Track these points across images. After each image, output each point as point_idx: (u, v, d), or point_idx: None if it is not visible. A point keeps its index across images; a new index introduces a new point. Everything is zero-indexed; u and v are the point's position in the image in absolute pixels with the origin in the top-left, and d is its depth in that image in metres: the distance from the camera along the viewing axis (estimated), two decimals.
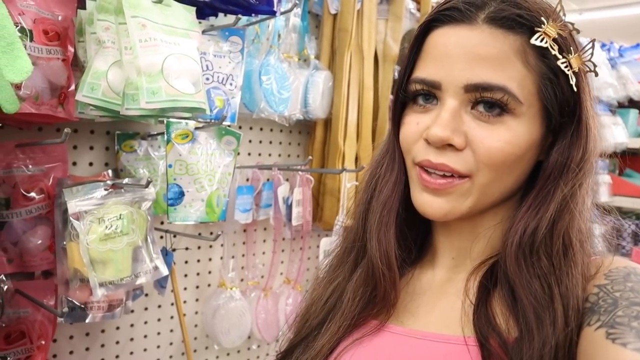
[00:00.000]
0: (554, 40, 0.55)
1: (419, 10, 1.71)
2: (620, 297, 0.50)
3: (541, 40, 0.54)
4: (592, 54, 0.57)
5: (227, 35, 1.06)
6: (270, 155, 1.49)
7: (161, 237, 1.19)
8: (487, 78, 0.54)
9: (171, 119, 0.98)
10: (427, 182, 0.57)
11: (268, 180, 1.41)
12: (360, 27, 1.42)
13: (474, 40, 0.54)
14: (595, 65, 0.58)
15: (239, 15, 0.97)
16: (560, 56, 0.55)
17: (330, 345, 0.63)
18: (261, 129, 1.45)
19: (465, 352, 0.54)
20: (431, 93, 0.58)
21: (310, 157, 1.20)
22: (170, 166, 0.98)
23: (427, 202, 0.58)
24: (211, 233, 1.35)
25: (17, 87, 0.85)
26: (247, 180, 1.40)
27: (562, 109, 0.56)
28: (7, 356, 0.82)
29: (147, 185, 0.89)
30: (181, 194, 1.00)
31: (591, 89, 0.59)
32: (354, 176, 1.43)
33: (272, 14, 1.02)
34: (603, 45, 2.55)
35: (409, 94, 0.59)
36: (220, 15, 1.10)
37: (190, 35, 0.89)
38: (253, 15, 1.06)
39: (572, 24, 0.58)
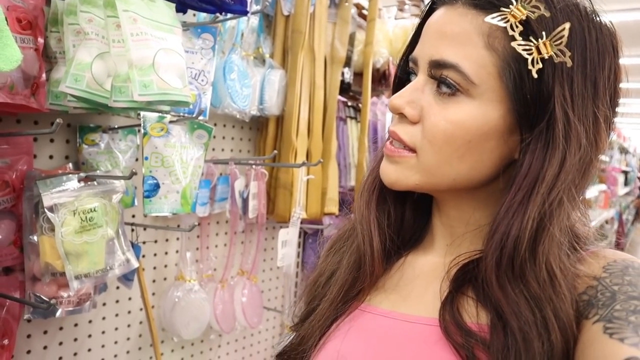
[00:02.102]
0: (523, 22, 0.52)
1: (359, 15, 1.82)
2: (618, 291, 0.50)
3: (500, 20, 0.52)
4: (566, 39, 0.52)
5: (199, 32, 1.09)
6: (223, 150, 1.52)
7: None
8: (445, 55, 0.54)
9: (147, 112, 0.99)
10: (385, 149, 0.60)
11: (222, 174, 1.44)
12: (312, 29, 1.49)
13: (446, 19, 0.55)
14: (568, 53, 0.51)
15: (218, 15, 1.00)
16: (519, 38, 0.52)
17: (322, 325, 0.64)
18: (215, 124, 1.48)
19: None
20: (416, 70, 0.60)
21: (275, 151, 1.25)
22: (146, 158, 0.99)
23: (382, 167, 0.60)
24: (167, 226, 1.36)
25: None
26: (202, 174, 1.42)
27: (524, 98, 0.53)
28: None
29: (130, 177, 0.90)
30: (157, 186, 1.01)
31: (579, 86, 0.52)
32: (307, 170, 1.50)
33: (244, 13, 1.06)
34: None
35: (406, 74, 0.62)
36: (189, 12, 1.12)
37: (174, 31, 0.91)
38: (223, 13, 1.09)
39: (548, 5, 0.53)
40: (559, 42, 0.52)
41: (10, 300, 0.96)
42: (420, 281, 0.63)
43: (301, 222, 1.52)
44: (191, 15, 1.29)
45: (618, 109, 0.58)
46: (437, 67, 0.55)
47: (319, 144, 1.56)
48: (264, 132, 1.55)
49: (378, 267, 0.64)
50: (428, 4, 0.61)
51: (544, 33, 0.52)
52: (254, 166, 1.44)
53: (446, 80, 0.54)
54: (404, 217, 0.68)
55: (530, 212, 0.52)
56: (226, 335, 1.58)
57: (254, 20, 1.37)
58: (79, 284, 0.95)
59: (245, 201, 1.45)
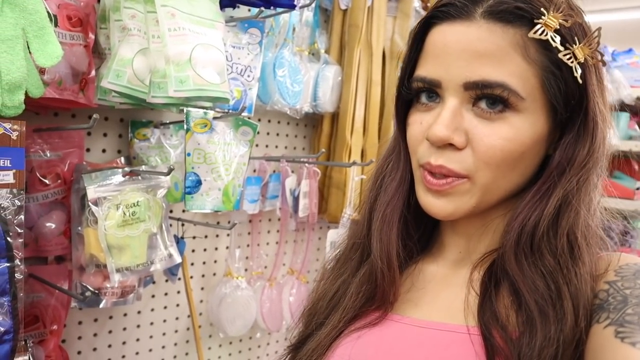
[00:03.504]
0: (556, 31, 0.53)
1: (424, 8, 1.73)
2: (630, 295, 0.49)
3: (541, 33, 0.52)
4: (598, 42, 0.54)
5: (246, 27, 1.07)
6: (277, 147, 1.51)
7: (170, 225, 1.20)
8: (486, 75, 0.53)
9: (190, 108, 0.98)
10: (429, 184, 0.57)
11: (275, 171, 1.43)
12: (370, 23, 1.44)
13: (472, 37, 0.53)
14: (602, 55, 0.55)
15: (262, 8, 0.98)
16: (562, 48, 0.53)
17: (331, 336, 0.63)
18: (269, 121, 1.46)
19: (468, 341, 0.54)
20: (433, 91, 0.57)
21: (323, 150, 1.21)
22: (189, 154, 0.99)
23: (430, 203, 0.58)
24: (218, 222, 1.36)
25: (41, 71, 0.86)
26: (255, 171, 1.41)
27: (568, 102, 0.55)
28: (27, 339, 0.83)
29: (168, 173, 0.90)
30: (198, 183, 1.01)
31: (601, 79, 0.57)
32: (360, 169, 1.45)
33: (292, 7, 1.03)
34: None
35: (412, 92, 0.59)
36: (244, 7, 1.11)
37: (215, 25, 0.90)
38: (272, 8, 1.07)
39: (579, 11, 0.56)
40: (592, 46, 0.54)
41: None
42: (432, 288, 0.63)
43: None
44: (246, 11, 1.28)
45: None
46: (479, 88, 0.53)
47: (375, 142, 1.50)
48: (319, 129, 1.52)
49: (394, 291, 0.62)
50: (425, 18, 0.58)
51: (576, 39, 0.54)
52: (306, 164, 1.41)
53: (497, 98, 0.53)
54: (414, 231, 0.66)
55: (556, 196, 0.55)
56: (275, 334, 1.57)
57: (309, 15, 1.34)
58: (120, 277, 0.96)
59: (296, 199, 1.42)
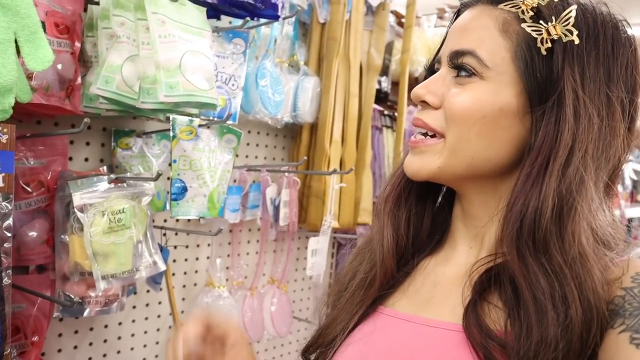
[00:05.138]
0: (534, 9, 0.57)
1: (398, 23, 1.80)
2: None
3: (512, 6, 0.58)
4: (575, 20, 0.56)
5: (231, 37, 1.09)
6: (256, 157, 1.52)
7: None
8: (463, 45, 0.60)
9: (176, 116, 1.00)
10: (408, 142, 0.64)
11: (254, 181, 1.44)
12: (348, 36, 1.48)
13: (466, 18, 0.62)
14: (576, 32, 0.55)
15: (247, 18, 1.00)
16: (530, 21, 0.57)
17: (342, 331, 0.66)
18: (249, 132, 1.48)
19: None
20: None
21: (304, 157, 1.24)
22: (174, 161, 1.00)
23: (407, 161, 0.64)
24: (210, 231, 1.36)
25: (29, 77, 0.86)
26: (235, 181, 1.42)
27: (535, 77, 0.56)
28: (11, 349, 0.81)
29: (157, 178, 0.90)
30: (184, 189, 1.02)
31: (582, 61, 0.56)
32: (339, 178, 1.48)
33: (276, 18, 1.07)
34: None
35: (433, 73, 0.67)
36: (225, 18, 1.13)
37: (203, 34, 0.92)
38: (256, 18, 1.10)
39: None
40: (566, 22, 0.56)
41: (41, 298, 0.98)
42: (443, 286, 0.64)
43: (334, 232, 1.49)
44: (227, 22, 1.31)
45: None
46: (457, 56, 0.60)
47: (353, 152, 1.54)
48: (298, 140, 1.55)
49: (388, 258, 0.66)
50: (455, 12, 0.68)
51: (553, 17, 0.56)
52: (286, 174, 1.43)
53: (463, 66, 0.59)
54: (423, 221, 0.70)
55: (549, 184, 0.54)
56: (256, 345, 1.56)
57: (289, 28, 1.37)
58: (105, 284, 0.96)
59: (276, 209, 1.44)
